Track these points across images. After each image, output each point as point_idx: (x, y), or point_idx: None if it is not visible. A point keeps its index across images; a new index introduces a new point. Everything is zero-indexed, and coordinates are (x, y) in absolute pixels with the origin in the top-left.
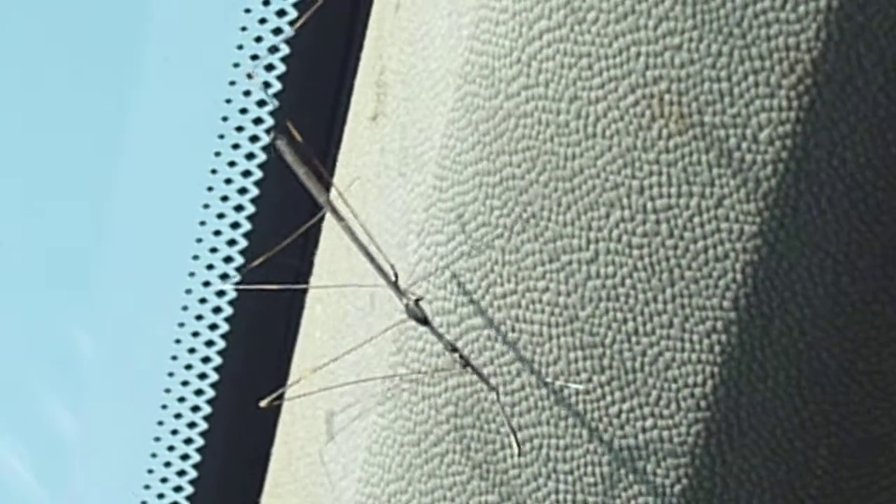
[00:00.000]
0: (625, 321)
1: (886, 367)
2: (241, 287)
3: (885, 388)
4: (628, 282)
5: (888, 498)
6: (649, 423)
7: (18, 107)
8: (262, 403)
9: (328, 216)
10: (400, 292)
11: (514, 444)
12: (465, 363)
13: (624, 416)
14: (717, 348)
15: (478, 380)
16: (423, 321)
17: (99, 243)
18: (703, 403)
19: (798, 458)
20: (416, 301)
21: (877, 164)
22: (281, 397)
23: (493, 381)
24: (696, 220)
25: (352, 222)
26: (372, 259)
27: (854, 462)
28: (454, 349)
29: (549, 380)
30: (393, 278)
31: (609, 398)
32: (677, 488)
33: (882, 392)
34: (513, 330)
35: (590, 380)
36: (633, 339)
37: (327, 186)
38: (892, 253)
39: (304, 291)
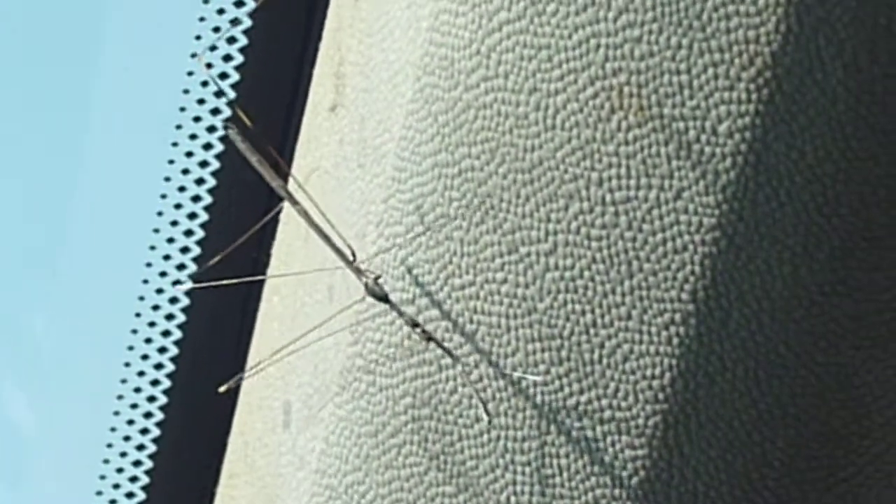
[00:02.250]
0: (583, 313)
1: (844, 360)
2: (199, 286)
3: (842, 380)
4: (587, 274)
5: (846, 490)
6: (607, 414)
7: None
8: (221, 389)
9: (286, 207)
10: (359, 271)
11: (484, 413)
12: (428, 337)
13: (582, 407)
14: (675, 340)
15: (435, 371)
16: (384, 298)
17: (57, 231)
18: (660, 395)
19: (755, 450)
20: (376, 279)
21: (836, 157)
22: (240, 383)
23: (451, 371)
24: (655, 212)
25: (308, 207)
26: (329, 241)
27: (811, 454)
28: (415, 324)
29: (507, 371)
30: (351, 258)
31: (567, 390)
32: (635, 480)
33: (839, 385)
34: (471, 321)
35: (548, 371)
36: (592, 330)
37: (284, 176)
38: (851, 246)
39: (262, 283)
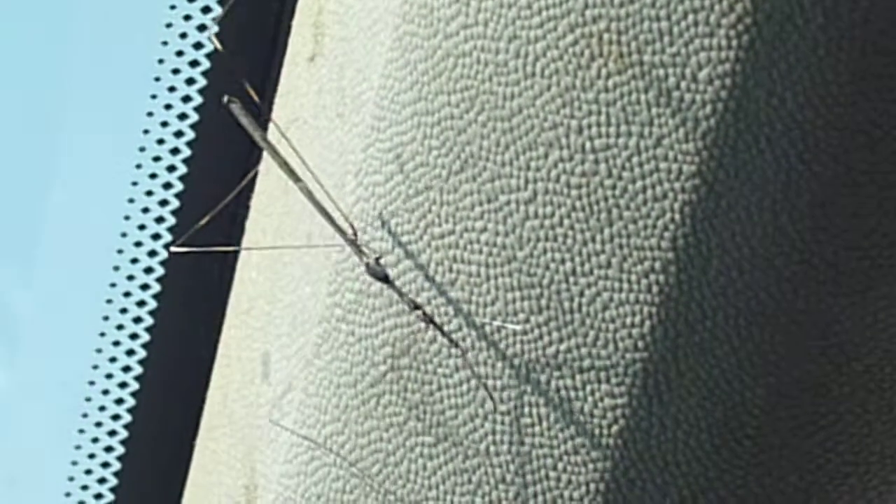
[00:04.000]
0: (562, 261)
1: (824, 307)
2: (181, 250)
3: (822, 327)
4: (566, 222)
5: (824, 437)
6: (587, 363)
7: None
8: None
9: (265, 166)
10: (360, 251)
11: (491, 401)
12: (429, 320)
13: (561, 356)
14: (654, 288)
15: (414, 320)
16: (384, 279)
17: (33, 205)
18: (640, 344)
19: (735, 398)
20: (377, 259)
21: (816, 104)
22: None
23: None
24: (635, 159)
25: (309, 182)
26: (330, 218)
27: (791, 402)
28: (416, 307)
29: (486, 320)
30: (352, 236)
31: (546, 338)
32: (614, 429)
33: (820, 332)
34: (450, 270)
35: (527, 320)
36: (571, 279)
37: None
38: (831, 192)
39: (240, 232)
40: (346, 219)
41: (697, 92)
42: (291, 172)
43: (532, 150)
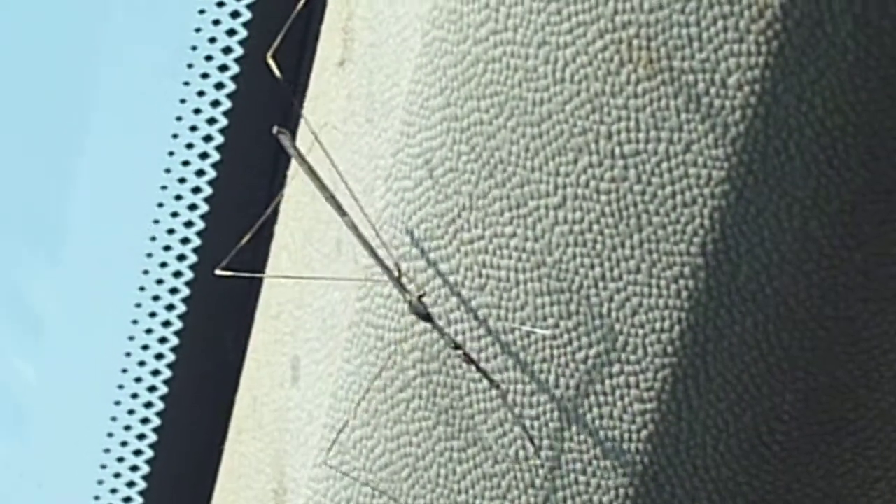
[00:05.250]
0: (592, 267)
1: (853, 313)
2: (226, 274)
3: (851, 333)
4: (596, 227)
5: (854, 443)
6: (616, 368)
7: None
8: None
9: (293, 170)
10: (403, 288)
11: (530, 446)
12: (469, 360)
13: (591, 361)
14: (684, 294)
15: (444, 325)
16: (426, 318)
17: (60, 199)
18: (670, 349)
19: (765, 403)
20: (420, 297)
21: (845, 110)
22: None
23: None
24: (664, 165)
25: (354, 215)
26: (375, 254)
27: (820, 408)
28: (457, 346)
29: (516, 326)
30: (396, 274)
31: (576, 343)
32: (644, 434)
33: (849, 338)
34: (480, 276)
35: (557, 325)
36: (601, 284)
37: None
38: (860, 198)
39: (269, 239)
40: (390, 255)
41: (727, 98)
42: (338, 206)
43: (561, 156)
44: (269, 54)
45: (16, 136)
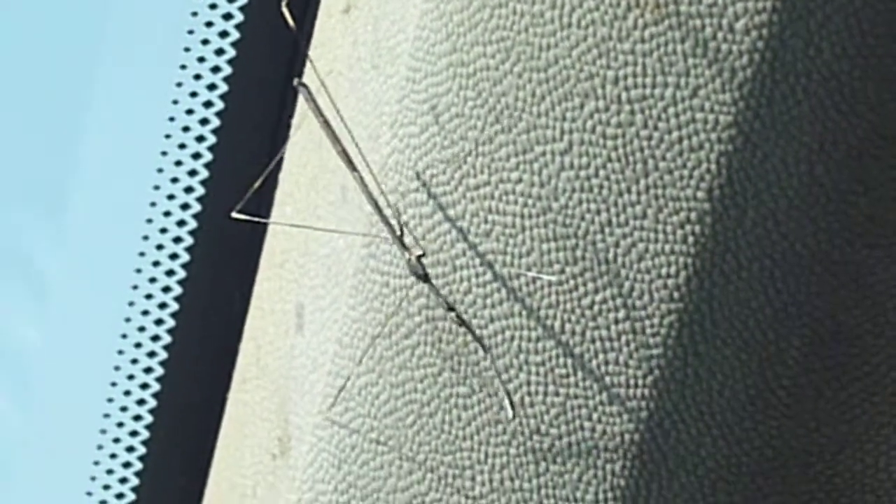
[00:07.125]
0: (598, 212)
1: (859, 258)
2: (242, 217)
3: (857, 278)
4: (602, 173)
5: (860, 388)
6: (622, 314)
7: None
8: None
9: (298, 118)
10: (404, 247)
11: (509, 407)
12: (461, 322)
13: (597, 307)
14: (690, 239)
15: (450, 271)
16: (424, 278)
17: (64, 162)
18: (676, 294)
19: (770, 348)
20: (419, 257)
21: (852, 54)
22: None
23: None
24: (671, 110)
25: (362, 170)
26: (379, 210)
27: (826, 353)
28: (451, 308)
29: (522, 271)
30: (399, 232)
31: (582, 289)
32: (649, 379)
33: (855, 283)
34: (485, 221)
35: (563, 271)
36: (607, 230)
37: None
38: (867, 144)
39: (274, 187)
40: (394, 215)
41: (734, 42)
42: (349, 162)
43: (568, 101)
44: (283, 3)
45: (19, 100)
